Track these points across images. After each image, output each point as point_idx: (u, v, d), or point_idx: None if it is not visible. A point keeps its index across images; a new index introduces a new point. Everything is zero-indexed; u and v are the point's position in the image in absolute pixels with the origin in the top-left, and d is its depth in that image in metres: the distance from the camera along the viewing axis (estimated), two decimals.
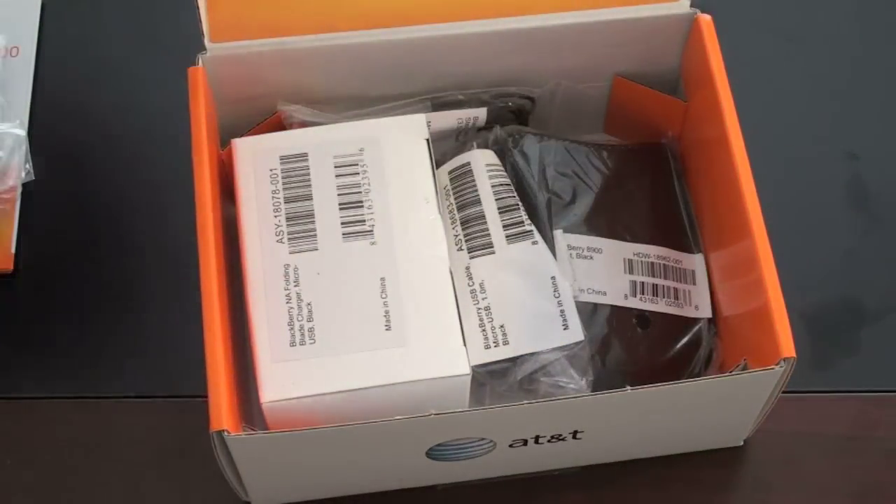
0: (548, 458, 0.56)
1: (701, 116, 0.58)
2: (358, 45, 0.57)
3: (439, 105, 0.59)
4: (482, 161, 0.58)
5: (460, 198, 0.57)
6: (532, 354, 0.55)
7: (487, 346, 0.55)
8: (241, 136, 0.57)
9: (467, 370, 0.52)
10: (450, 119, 0.59)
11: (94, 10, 0.69)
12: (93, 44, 0.68)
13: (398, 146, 0.56)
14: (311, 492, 0.57)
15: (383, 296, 0.53)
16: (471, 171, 0.57)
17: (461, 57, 0.58)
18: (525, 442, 0.53)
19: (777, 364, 0.49)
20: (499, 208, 0.57)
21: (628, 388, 0.50)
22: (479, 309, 0.55)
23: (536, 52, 0.58)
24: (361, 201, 0.55)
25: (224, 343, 0.51)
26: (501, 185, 0.57)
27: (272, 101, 0.59)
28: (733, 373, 0.52)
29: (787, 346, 0.50)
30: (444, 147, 0.60)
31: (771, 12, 0.69)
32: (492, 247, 0.56)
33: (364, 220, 0.55)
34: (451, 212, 0.57)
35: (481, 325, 0.55)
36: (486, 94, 0.59)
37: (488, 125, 0.60)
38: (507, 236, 0.56)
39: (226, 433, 0.48)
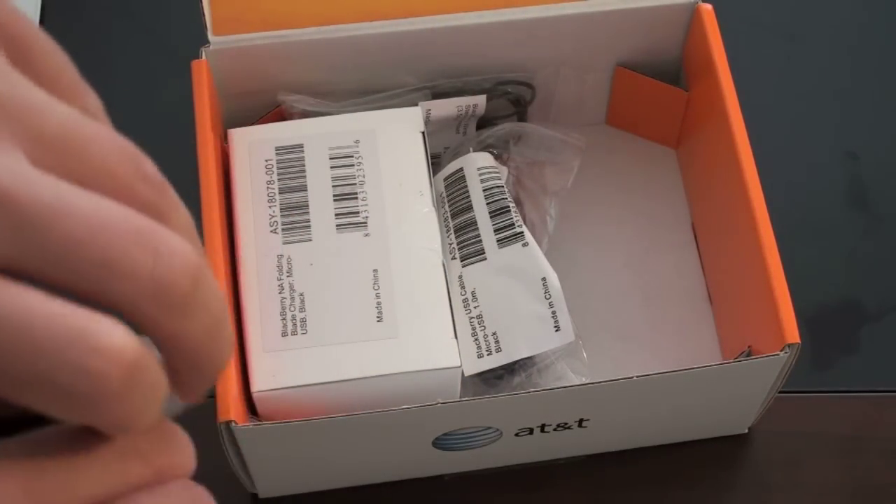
0: (554, 447, 0.56)
1: (703, 105, 0.58)
2: (360, 38, 0.56)
3: (439, 94, 0.59)
4: (475, 165, 0.57)
5: (454, 205, 0.57)
6: (526, 360, 0.54)
7: (480, 356, 0.54)
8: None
9: (458, 362, 0.51)
10: (449, 107, 0.58)
11: (94, 10, 0.69)
12: (93, 43, 0.68)
13: (393, 138, 0.56)
14: (317, 482, 0.56)
15: (375, 287, 0.53)
16: (464, 177, 0.57)
17: (463, 48, 0.58)
18: (531, 431, 0.53)
19: (782, 350, 0.49)
20: (490, 212, 0.56)
21: (634, 375, 0.49)
22: (472, 318, 0.54)
23: (538, 42, 0.58)
24: (356, 193, 0.55)
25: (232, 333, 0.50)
26: (494, 187, 0.56)
27: (275, 94, 0.58)
28: (738, 360, 0.52)
29: (792, 332, 0.49)
30: (444, 136, 0.59)
31: (771, 11, 0.69)
32: (483, 253, 0.55)
33: (358, 212, 0.54)
34: (445, 220, 0.56)
35: (474, 335, 0.54)
36: (486, 82, 0.59)
37: (489, 121, 0.60)
38: (497, 240, 0.55)
39: (233, 424, 0.48)
